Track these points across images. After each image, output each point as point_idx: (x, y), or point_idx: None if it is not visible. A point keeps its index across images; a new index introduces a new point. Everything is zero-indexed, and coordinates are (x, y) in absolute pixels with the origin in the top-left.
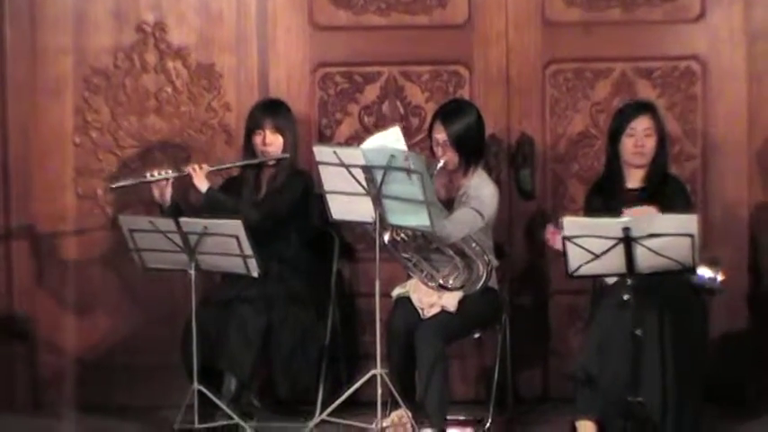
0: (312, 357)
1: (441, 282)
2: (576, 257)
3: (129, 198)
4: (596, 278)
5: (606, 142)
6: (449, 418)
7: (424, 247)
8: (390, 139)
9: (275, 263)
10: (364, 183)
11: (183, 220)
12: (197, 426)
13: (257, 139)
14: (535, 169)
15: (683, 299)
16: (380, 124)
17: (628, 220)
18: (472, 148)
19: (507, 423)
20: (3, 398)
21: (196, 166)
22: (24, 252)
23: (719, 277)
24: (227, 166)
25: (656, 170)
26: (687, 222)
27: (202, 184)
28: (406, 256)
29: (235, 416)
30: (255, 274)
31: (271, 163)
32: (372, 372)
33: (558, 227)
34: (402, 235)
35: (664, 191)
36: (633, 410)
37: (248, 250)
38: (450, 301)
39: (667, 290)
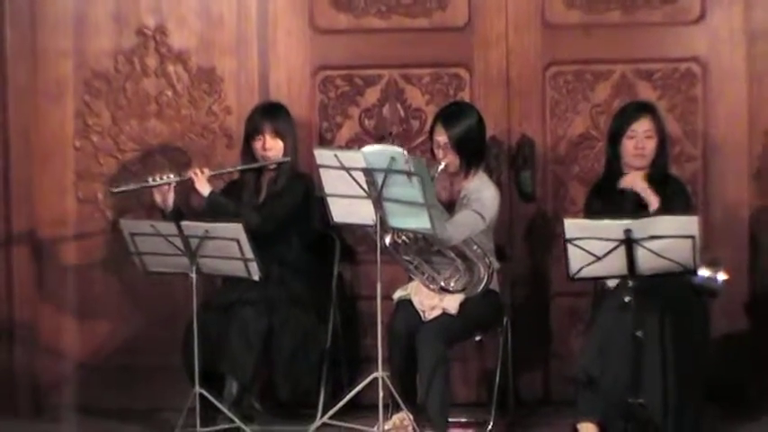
0: (313, 360)
1: (442, 284)
2: (577, 259)
3: (129, 202)
4: (597, 280)
5: (606, 144)
6: (450, 420)
7: (425, 249)
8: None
9: (276, 266)
10: (365, 186)
11: (184, 223)
12: (198, 429)
13: (257, 145)
14: (536, 171)
15: (684, 301)
16: (381, 127)
17: (629, 222)
18: (473, 151)
19: (509, 425)
20: (4, 402)
21: (198, 171)
22: (25, 256)
23: (722, 277)
24: (229, 170)
25: (656, 172)
26: (688, 224)
27: (204, 189)
28: (407, 258)
29: (236, 419)
30: (256, 278)
31: (271, 166)
32: (374, 375)
33: None
34: (403, 237)
35: (664, 192)
36: (634, 412)
37: (249, 253)
38: (452, 303)
39: (668, 292)
